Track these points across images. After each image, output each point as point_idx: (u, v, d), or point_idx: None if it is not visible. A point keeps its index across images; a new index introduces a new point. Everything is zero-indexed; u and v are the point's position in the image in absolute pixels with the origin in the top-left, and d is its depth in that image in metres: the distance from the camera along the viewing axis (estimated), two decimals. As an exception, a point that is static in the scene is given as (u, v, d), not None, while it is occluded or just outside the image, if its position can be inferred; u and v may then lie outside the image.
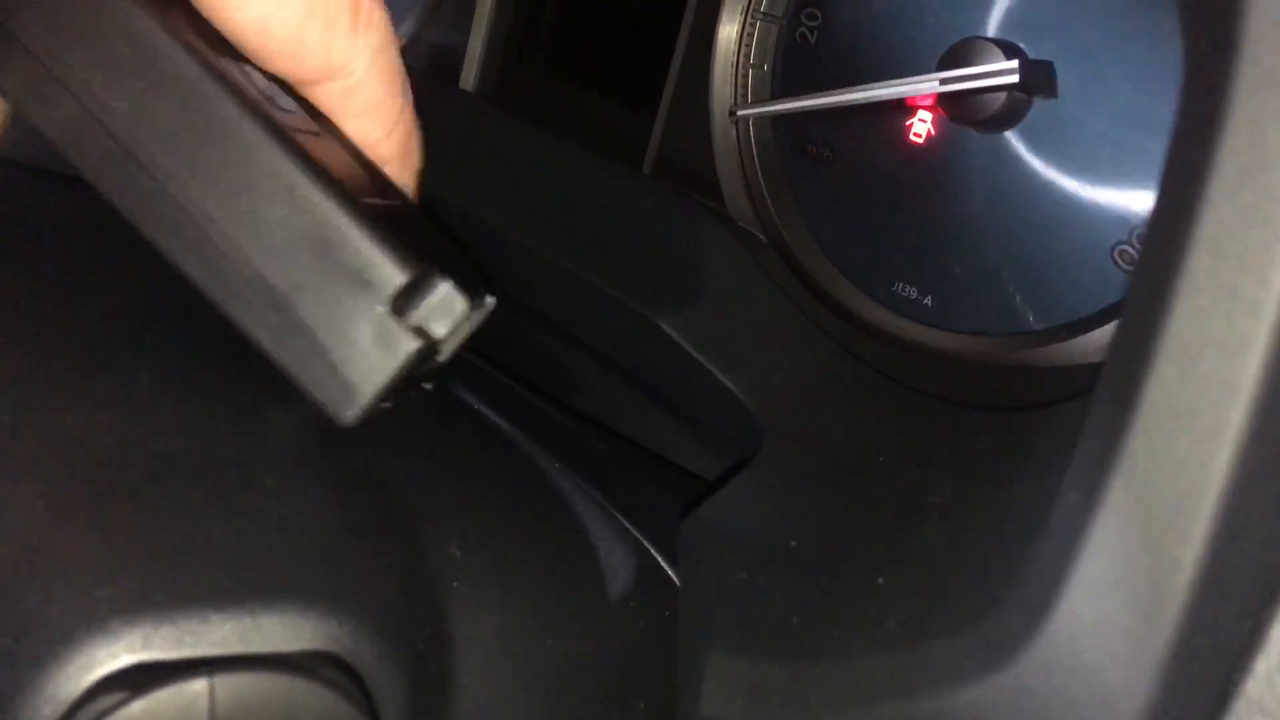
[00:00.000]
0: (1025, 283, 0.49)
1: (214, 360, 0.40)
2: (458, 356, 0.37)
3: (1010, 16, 0.48)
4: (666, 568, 0.44)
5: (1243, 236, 0.23)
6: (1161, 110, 0.45)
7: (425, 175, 0.42)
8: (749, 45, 0.55)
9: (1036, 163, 0.48)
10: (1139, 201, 0.46)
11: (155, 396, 0.34)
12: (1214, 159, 0.24)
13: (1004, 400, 0.46)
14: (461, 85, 0.66)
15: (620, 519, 0.45)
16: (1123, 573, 0.25)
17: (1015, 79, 0.45)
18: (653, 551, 0.44)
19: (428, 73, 0.66)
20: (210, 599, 0.30)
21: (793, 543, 0.39)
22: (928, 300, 0.52)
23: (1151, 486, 0.25)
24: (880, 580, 0.34)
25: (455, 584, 0.38)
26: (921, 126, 0.51)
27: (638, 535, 0.44)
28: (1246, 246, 0.23)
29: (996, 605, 0.28)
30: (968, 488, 0.37)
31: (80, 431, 0.32)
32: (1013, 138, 0.48)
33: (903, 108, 0.51)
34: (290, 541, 0.33)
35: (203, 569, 0.30)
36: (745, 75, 0.55)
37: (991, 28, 0.48)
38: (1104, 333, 0.46)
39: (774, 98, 0.55)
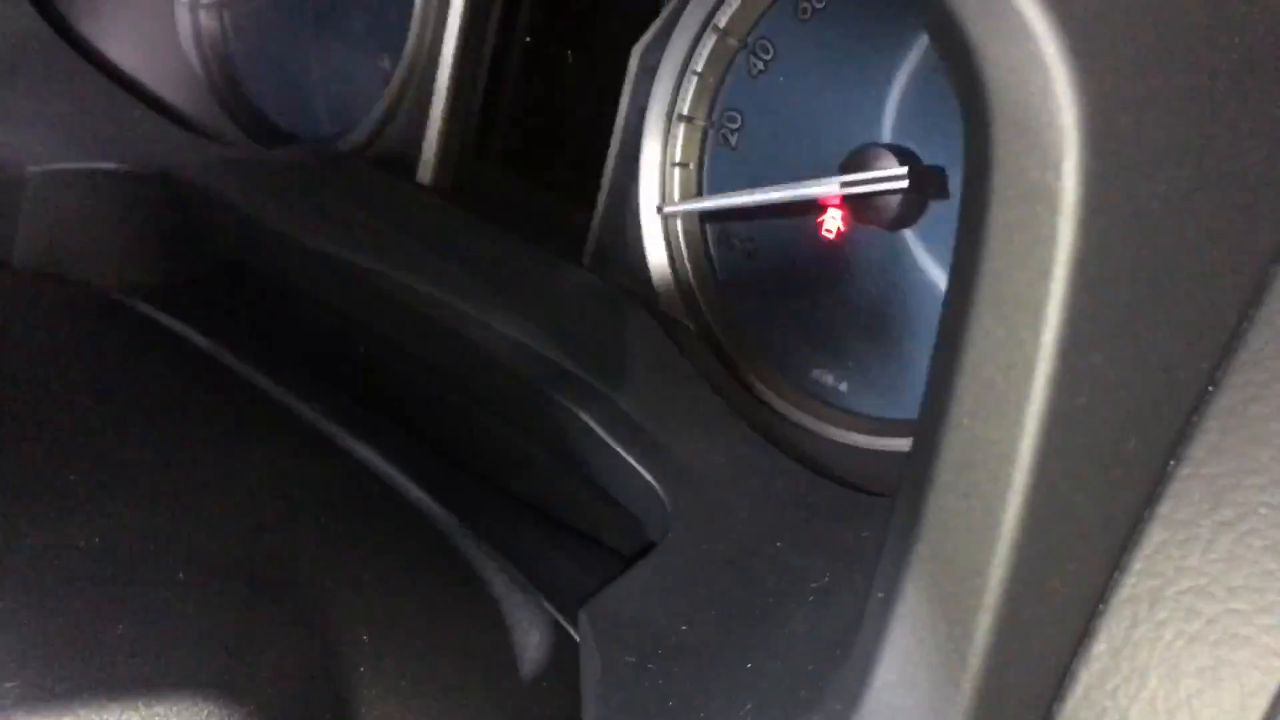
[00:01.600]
0: (921, 371, 0.52)
1: (125, 455, 0.43)
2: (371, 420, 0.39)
3: (904, 123, 0.51)
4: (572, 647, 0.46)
5: (1001, 345, 0.26)
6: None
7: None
8: (674, 146, 0.58)
9: (930, 260, 0.51)
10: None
11: (68, 490, 0.37)
12: (978, 274, 0.26)
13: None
14: (419, 180, 0.70)
15: (538, 597, 0.47)
16: (920, 657, 0.27)
17: (904, 184, 0.48)
18: (569, 630, 0.46)
19: (386, 168, 0.70)
20: (110, 689, 0.32)
21: (684, 626, 0.41)
22: (843, 386, 0.55)
23: (939, 581, 0.27)
24: (749, 664, 0.36)
25: (362, 669, 0.40)
26: (832, 223, 0.54)
27: (555, 615, 0.46)
28: (1007, 357, 0.26)
29: (824, 693, 0.30)
30: (844, 572, 0.39)
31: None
32: (910, 236, 0.51)
33: (815, 206, 0.54)
34: (192, 629, 0.36)
35: (104, 660, 0.33)
36: (672, 174, 0.59)
37: (887, 133, 0.52)
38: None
39: (698, 195, 0.59)
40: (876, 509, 0.46)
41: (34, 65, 0.76)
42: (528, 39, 0.65)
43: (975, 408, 0.26)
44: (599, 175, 0.62)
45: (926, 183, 0.49)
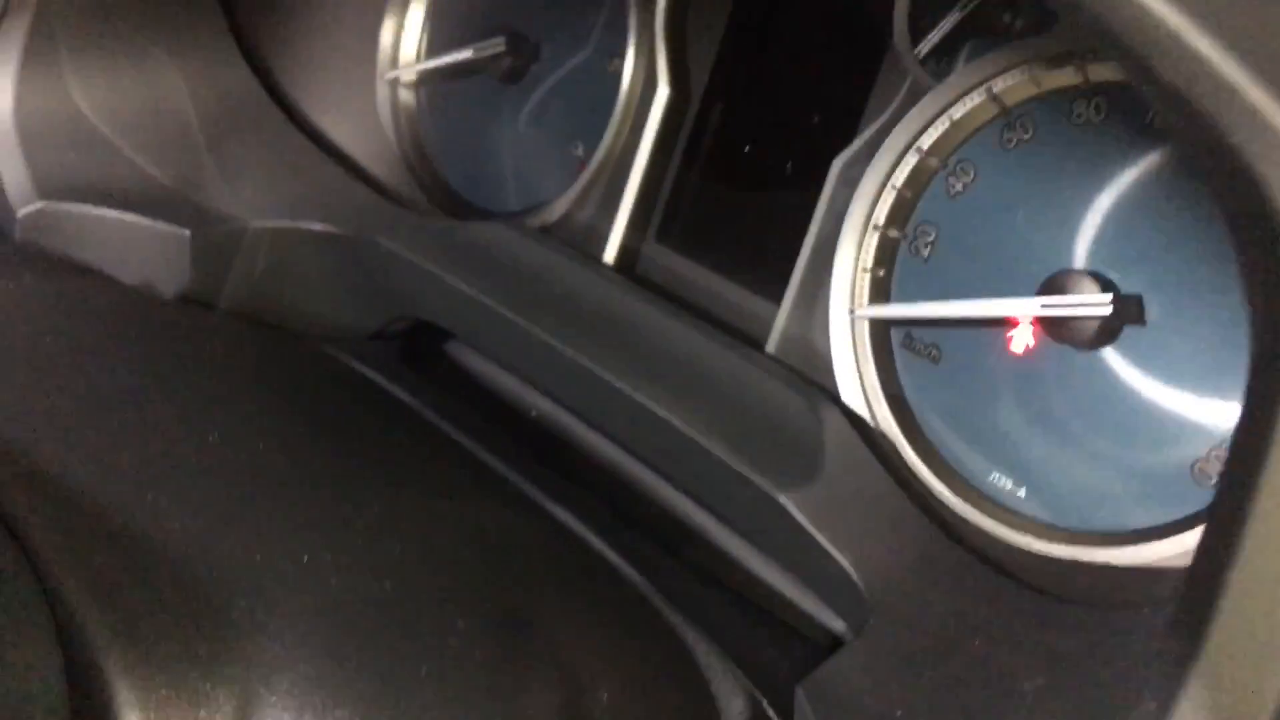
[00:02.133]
0: (1110, 487, 0.55)
1: (380, 505, 0.47)
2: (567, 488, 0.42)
3: (1103, 253, 0.55)
4: (779, 722, 0.49)
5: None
6: (1241, 340, 0.51)
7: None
8: (868, 253, 0.62)
9: (1124, 381, 0.54)
10: (1218, 423, 0.52)
11: (351, 533, 0.42)
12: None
13: (1087, 595, 0.52)
14: (604, 259, 0.75)
15: (740, 674, 0.50)
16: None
17: (1108, 311, 0.52)
18: (767, 709, 0.49)
19: (574, 247, 0.75)
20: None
21: (899, 713, 0.44)
22: (1021, 491, 0.58)
23: (1219, 701, 0.30)
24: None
25: (605, 726, 0.44)
26: (1021, 339, 0.57)
27: (755, 693, 0.50)
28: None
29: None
30: (1056, 679, 0.42)
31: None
32: (1104, 356, 0.55)
33: (1004, 321, 0.58)
34: (476, 683, 0.40)
35: (410, 704, 0.37)
36: (863, 279, 0.63)
37: (1086, 261, 0.55)
38: (1180, 541, 0.51)
39: (888, 300, 0.62)
40: (1070, 615, 0.49)
41: (250, 125, 0.83)
42: (746, 148, 0.70)
43: (1265, 544, 0.30)
44: (781, 272, 0.67)
45: (1126, 310, 0.53)
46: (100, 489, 0.41)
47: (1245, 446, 0.32)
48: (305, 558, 0.42)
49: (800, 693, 0.46)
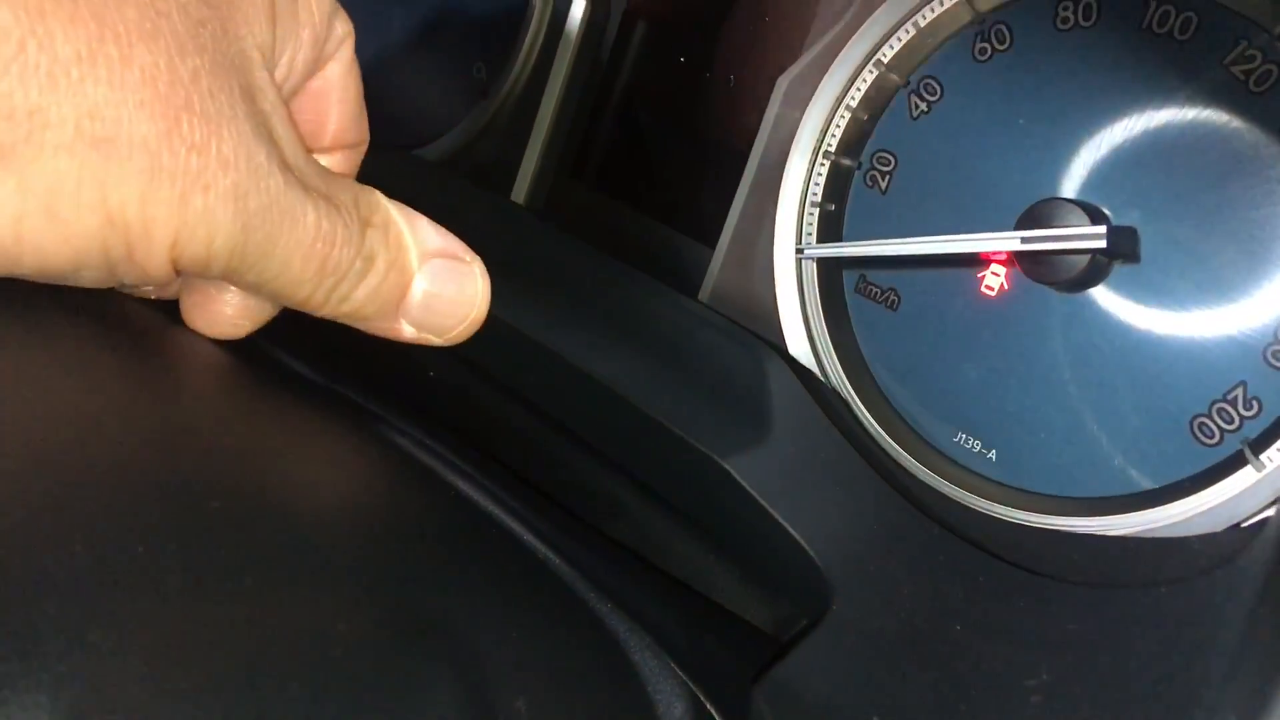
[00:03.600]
0: (1093, 447, 0.48)
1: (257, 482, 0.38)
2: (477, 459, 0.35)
3: (1092, 180, 0.48)
4: (728, 730, 0.41)
5: None
6: (1246, 279, 0.45)
7: None
8: (818, 184, 0.55)
9: (1112, 325, 0.47)
10: (1219, 375, 0.45)
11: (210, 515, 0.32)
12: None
13: (1080, 573, 0.45)
14: (513, 198, 0.66)
15: (681, 675, 0.42)
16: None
17: (1102, 244, 0.45)
18: (713, 713, 0.42)
19: (478, 185, 0.66)
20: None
21: (875, 717, 0.37)
22: (991, 454, 0.51)
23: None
24: (983, 773, 0.32)
25: (519, 743, 0.35)
26: (994, 280, 0.50)
27: (700, 695, 0.42)
28: None
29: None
30: (1067, 673, 0.35)
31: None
32: (1090, 299, 0.48)
33: (975, 260, 0.51)
34: (361, 695, 0.31)
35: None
36: (811, 214, 0.55)
37: (1072, 189, 0.48)
38: (1177, 507, 0.45)
39: (840, 239, 0.55)
40: (1059, 595, 0.42)
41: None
42: (673, 56, 0.61)
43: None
44: (721, 207, 0.59)
45: (1121, 244, 0.46)
46: None
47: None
48: (140, 549, 0.32)
49: (757, 694, 0.38)
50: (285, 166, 0.31)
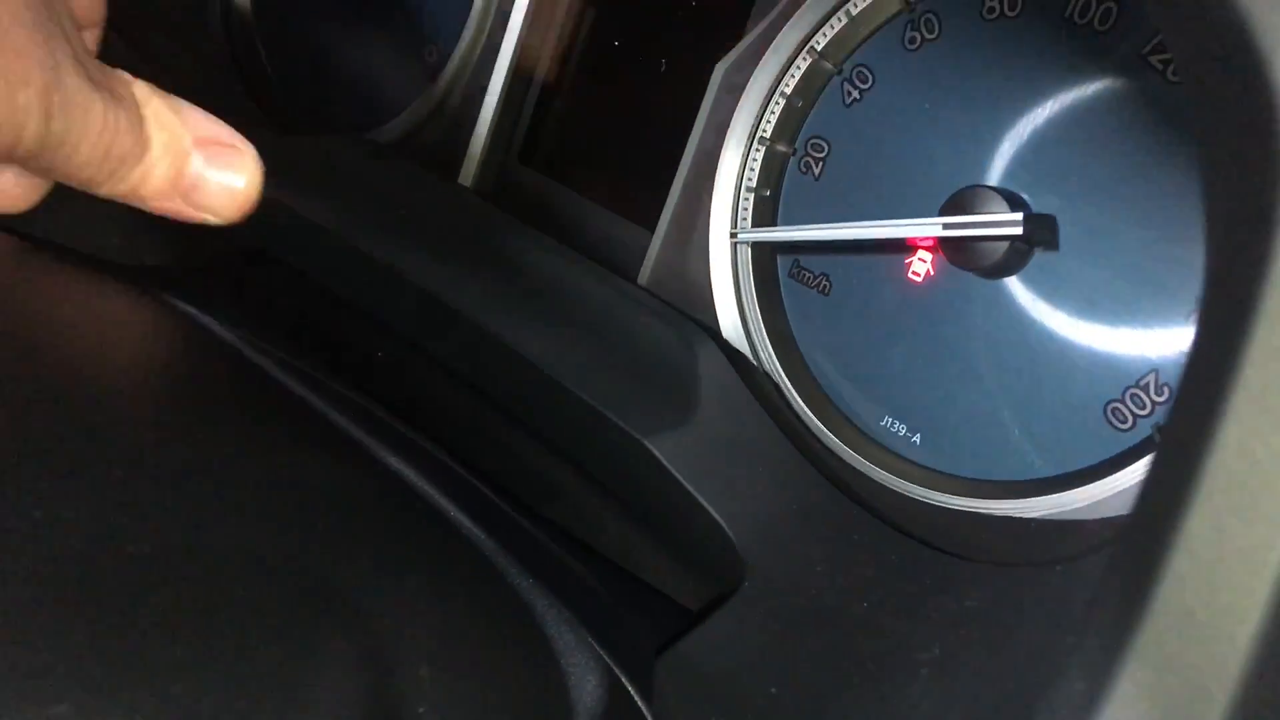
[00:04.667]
0: (1013, 431, 0.49)
1: (165, 453, 0.39)
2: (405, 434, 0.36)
3: (1014, 168, 0.48)
4: (640, 703, 0.42)
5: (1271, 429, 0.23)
6: (1162, 269, 0.45)
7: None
8: (753, 170, 0.55)
9: (1033, 312, 0.48)
10: (1133, 361, 0.46)
11: (131, 497, 0.33)
12: (1245, 346, 0.23)
13: (988, 552, 0.46)
14: (461, 181, 0.66)
15: (594, 645, 0.43)
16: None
17: (1019, 230, 0.46)
18: (626, 685, 0.42)
19: (426, 168, 0.66)
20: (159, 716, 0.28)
21: (773, 689, 0.37)
22: (916, 438, 0.51)
23: (1165, 683, 0.24)
24: (863, 742, 0.33)
25: (421, 710, 0.36)
26: (921, 266, 0.51)
27: (611, 665, 0.43)
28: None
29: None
30: (957, 646, 0.36)
31: (49, 527, 0.31)
32: (1011, 285, 0.49)
33: (903, 246, 0.51)
34: (251, 661, 0.31)
35: (157, 683, 0.29)
36: (746, 199, 0.56)
37: (994, 177, 0.49)
38: (1091, 490, 0.46)
39: (774, 224, 0.56)
40: (965, 574, 0.43)
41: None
42: (616, 42, 0.62)
43: (1226, 486, 0.23)
44: (659, 192, 0.59)
45: (1039, 231, 0.46)
46: None
47: (1202, 370, 0.25)
48: (38, 513, 0.33)
49: (660, 667, 0.39)
50: (77, 63, 0.34)
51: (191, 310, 0.59)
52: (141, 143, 0.37)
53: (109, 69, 0.37)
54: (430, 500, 0.47)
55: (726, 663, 0.39)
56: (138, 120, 0.36)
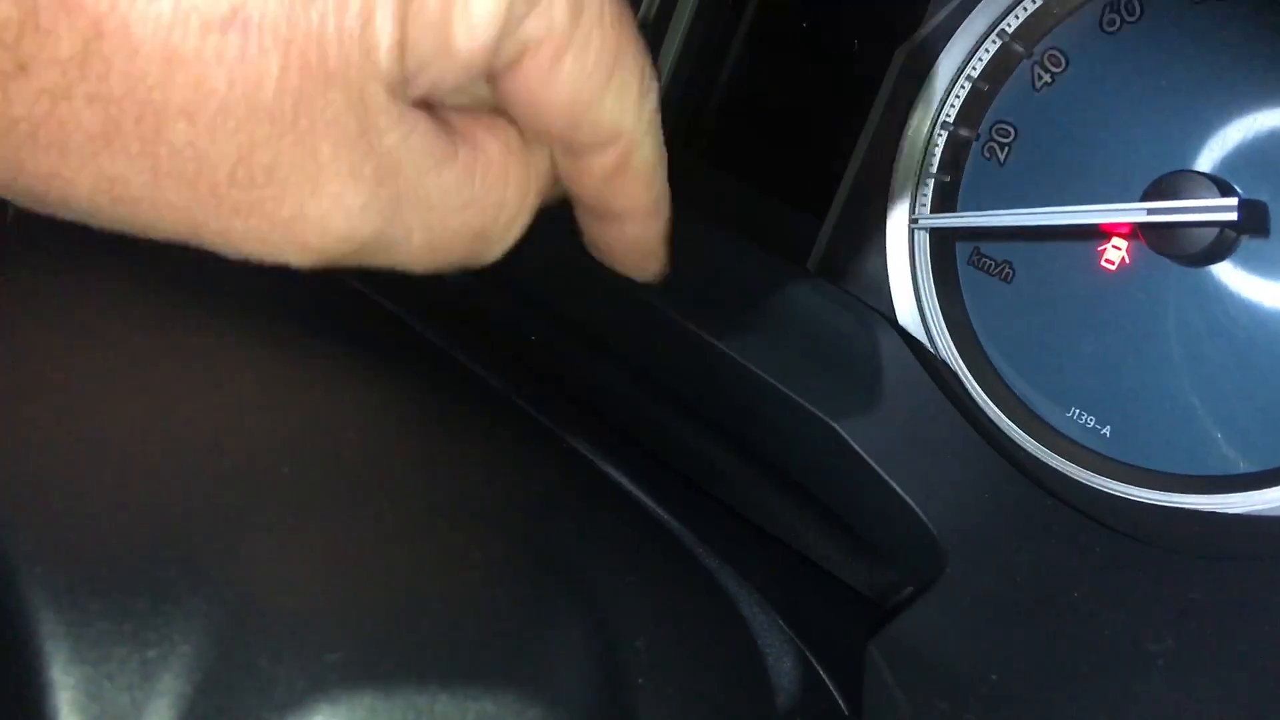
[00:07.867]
0: (1213, 423, 0.47)
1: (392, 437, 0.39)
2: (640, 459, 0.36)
3: (1221, 153, 0.47)
4: (834, 691, 0.42)
5: None
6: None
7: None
8: (934, 155, 0.54)
9: (1239, 301, 0.46)
10: (1350, 353, 0.44)
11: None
12: None
13: (1189, 545, 0.44)
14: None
15: (789, 631, 0.43)
16: None
17: (1233, 217, 0.44)
18: (821, 673, 0.42)
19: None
20: (420, 673, 0.28)
21: (994, 676, 0.37)
22: (1106, 430, 0.50)
23: None
24: (1109, 730, 0.32)
25: (640, 680, 0.36)
26: (1115, 254, 0.50)
27: (806, 652, 0.42)
28: None
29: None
30: (1191, 641, 0.35)
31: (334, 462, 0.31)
32: (1216, 273, 0.47)
33: (1095, 233, 0.50)
34: (497, 619, 0.32)
35: (420, 639, 0.29)
36: (926, 185, 0.55)
37: (1201, 162, 0.47)
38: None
39: (955, 210, 0.55)
40: (1177, 566, 0.42)
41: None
42: (804, 24, 0.61)
43: None
44: (830, 178, 0.58)
45: (1251, 217, 0.45)
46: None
47: None
48: (286, 468, 0.34)
49: (873, 650, 0.38)
50: None
51: (396, 310, 0.59)
52: None
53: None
54: (620, 484, 0.47)
55: (941, 647, 0.38)
56: None
